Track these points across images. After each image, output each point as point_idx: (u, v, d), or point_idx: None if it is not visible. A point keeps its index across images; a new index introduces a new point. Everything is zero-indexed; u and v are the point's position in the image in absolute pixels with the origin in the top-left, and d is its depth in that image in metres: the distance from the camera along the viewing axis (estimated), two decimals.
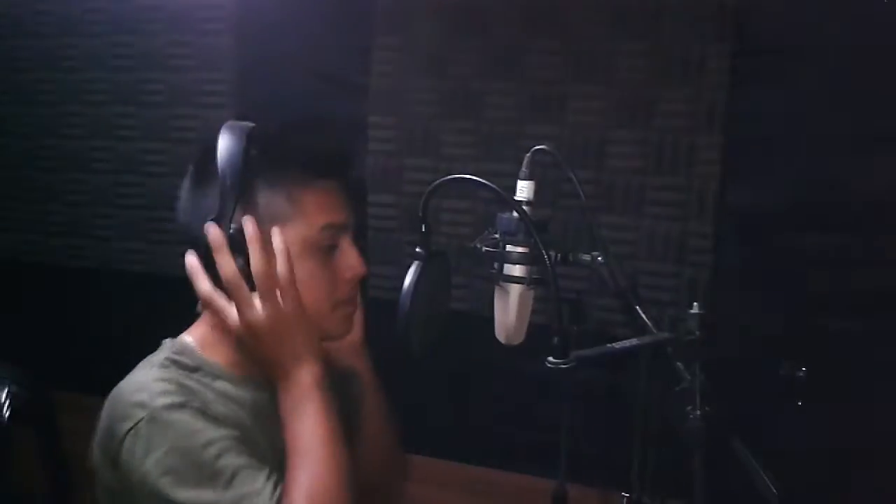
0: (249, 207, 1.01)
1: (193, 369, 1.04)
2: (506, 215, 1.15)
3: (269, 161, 1.03)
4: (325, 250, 1.06)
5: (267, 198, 1.03)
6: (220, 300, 1.00)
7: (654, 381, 1.32)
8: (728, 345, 1.53)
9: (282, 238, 1.01)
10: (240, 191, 1.00)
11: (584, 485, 1.72)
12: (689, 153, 1.65)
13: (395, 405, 1.91)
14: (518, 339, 1.18)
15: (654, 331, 1.17)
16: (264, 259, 0.98)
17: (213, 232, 0.99)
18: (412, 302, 1.07)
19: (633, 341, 1.16)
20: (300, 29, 1.94)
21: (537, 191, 1.18)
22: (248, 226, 0.99)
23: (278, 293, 0.98)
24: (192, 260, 1.02)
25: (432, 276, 1.12)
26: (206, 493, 0.92)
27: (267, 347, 0.99)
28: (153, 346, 1.11)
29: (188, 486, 0.93)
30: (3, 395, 1.98)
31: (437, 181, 1.09)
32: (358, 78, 1.88)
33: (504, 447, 1.86)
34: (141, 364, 1.06)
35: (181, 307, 1.17)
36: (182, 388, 1.00)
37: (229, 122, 1.06)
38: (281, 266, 0.99)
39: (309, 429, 0.98)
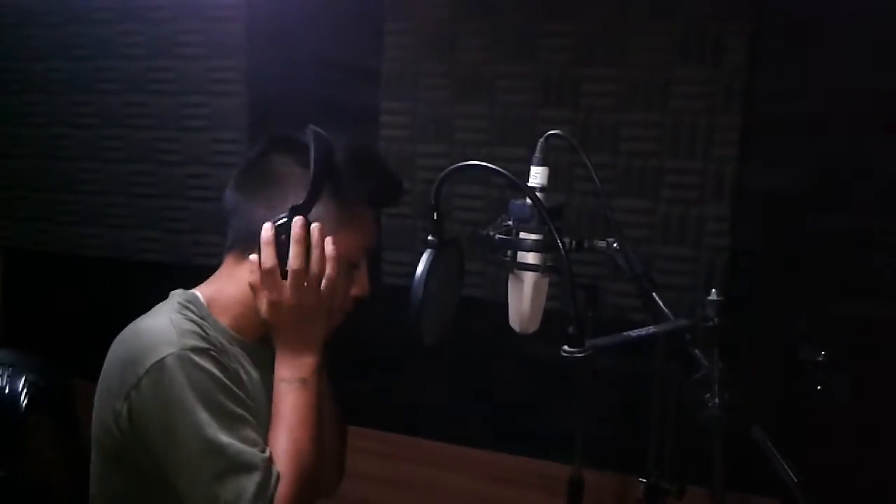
0: (320, 205, 1.14)
1: (201, 319, 1.14)
2: (519, 202, 1.14)
3: (350, 173, 1.17)
4: (352, 266, 1.21)
5: (334, 202, 1.16)
6: (279, 278, 1.12)
7: (672, 367, 1.30)
8: (747, 331, 1.51)
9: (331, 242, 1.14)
10: (321, 189, 1.13)
11: (602, 470, 1.71)
12: (707, 135, 1.62)
13: (409, 391, 1.91)
14: (533, 327, 1.17)
15: (672, 317, 1.16)
16: (321, 263, 1.13)
17: (266, 232, 1.12)
18: (424, 290, 1.06)
19: (650, 329, 1.15)
20: (311, 15, 1.92)
21: (551, 176, 1.16)
22: (297, 228, 1.11)
23: (323, 284, 1.13)
24: (269, 232, 1.11)
25: (444, 264, 1.11)
26: (216, 430, 1.05)
27: (297, 327, 1.14)
28: None
29: (206, 419, 1.05)
30: (22, 384, 2.00)
31: (449, 168, 1.08)
32: (370, 64, 1.87)
33: (520, 433, 1.85)
34: (156, 309, 1.17)
35: None
36: (206, 334, 1.12)
37: (316, 129, 1.15)
38: (329, 268, 1.14)
39: (305, 404, 1.13)
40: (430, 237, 1.10)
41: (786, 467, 1.12)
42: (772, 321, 1.61)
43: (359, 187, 1.18)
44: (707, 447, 1.18)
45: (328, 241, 1.14)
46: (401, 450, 1.93)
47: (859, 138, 1.55)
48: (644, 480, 1.39)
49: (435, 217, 1.09)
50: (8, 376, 2.01)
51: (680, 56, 1.63)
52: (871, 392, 1.57)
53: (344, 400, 1.40)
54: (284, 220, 1.11)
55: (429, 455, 1.92)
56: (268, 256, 1.11)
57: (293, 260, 1.11)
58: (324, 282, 1.13)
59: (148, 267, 2.14)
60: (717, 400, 1.08)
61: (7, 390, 2.00)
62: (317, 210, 1.14)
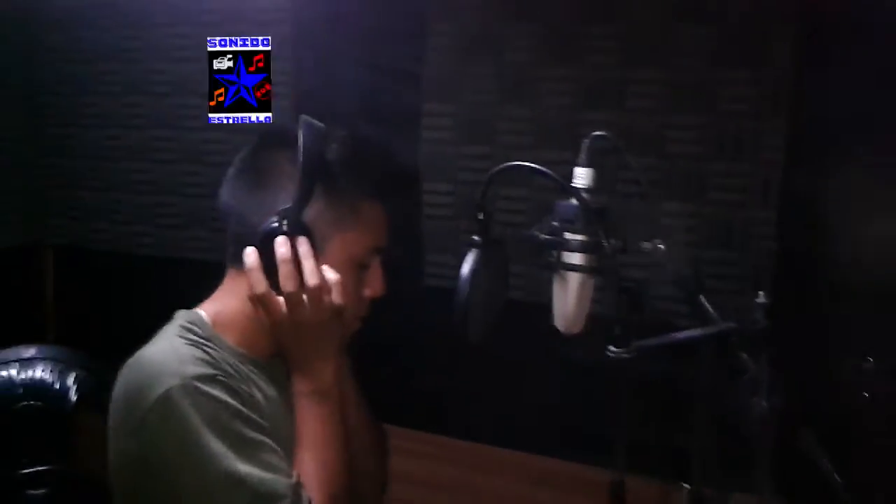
0: (316, 205, 1.05)
1: (206, 341, 1.06)
2: (564, 202, 1.14)
3: (347, 167, 1.07)
4: (360, 267, 1.11)
5: (331, 200, 1.06)
6: (274, 299, 1.03)
7: (717, 372, 1.29)
8: (794, 334, 1.49)
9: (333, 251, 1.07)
10: (312, 188, 1.03)
11: (644, 475, 1.70)
12: (753, 138, 1.61)
13: (453, 394, 1.92)
14: (577, 327, 1.17)
15: (719, 320, 1.15)
16: (317, 276, 1.03)
17: (250, 255, 1.04)
18: (469, 290, 1.06)
19: (697, 331, 1.14)
20: (355, 18, 1.94)
21: (596, 178, 1.16)
22: (281, 247, 1.02)
23: (322, 299, 1.03)
24: (252, 256, 1.04)
25: (489, 264, 1.11)
26: (233, 461, 0.97)
27: (305, 344, 1.06)
28: None
29: (222, 450, 0.97)
30: (71, 381, 2.03)
31: (498, 168, 1.08)
32: (413, 66, 1.88)
33: (562, 436, 1.84)
34: (159, 335, 1.09)
35: None
36: (211, 358, 1.04)
37: (307, 120, 1.05)
38: (331, 280, 1.05)
39: (329, 417, 1.06)
40: (475, 237, 1.10)
41: (834, 474, 1.11)
42: (818, 327, 1.59)
43: (359, 180, 1.08)
44: (753, 453, 1.17)
45: (332, 247, 1.06)
46: (442, 451, 1.94)
47: None
48: (687, 486, 1.38)
49: (481, 217, 1.10)
50: (59, 372, 2.05)
51: (725, 59, 1.62)
52: None
53: (386, 401, 1.41)
54: (275, 225, 1.02)
55: (470, 457, 1.92)
56: (257, 281, 1.03)
57: (284, 282, 1.01)
58: (325, 295, 1.03)
59: (197, 265, 2.18)
60: (764, 403, 1.07)
61: (57, 385, 2.03)
62: (311, 210, 1.05)
